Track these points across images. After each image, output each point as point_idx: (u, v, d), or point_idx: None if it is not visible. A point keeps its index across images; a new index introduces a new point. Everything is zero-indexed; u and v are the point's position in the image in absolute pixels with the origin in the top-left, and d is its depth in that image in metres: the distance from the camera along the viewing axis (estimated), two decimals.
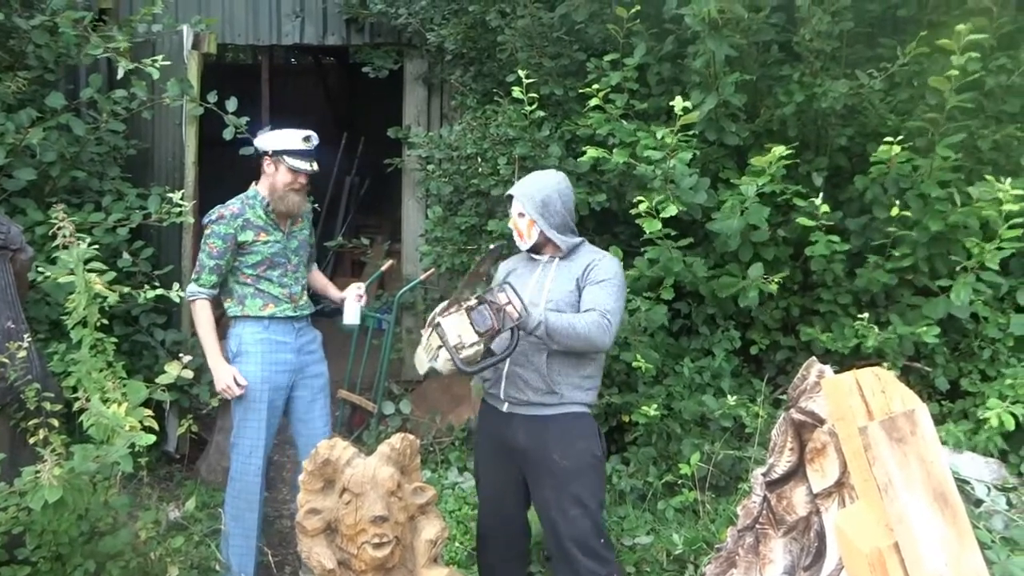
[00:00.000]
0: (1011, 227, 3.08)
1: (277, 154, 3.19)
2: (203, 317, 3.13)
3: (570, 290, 2.62)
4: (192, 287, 3.14)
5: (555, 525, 2.60)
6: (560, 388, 2.60)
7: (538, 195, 2.66)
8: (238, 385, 3.11)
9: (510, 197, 2.75)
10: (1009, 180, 3.08)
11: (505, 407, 2.69)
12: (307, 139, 3.22)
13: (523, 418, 2.65)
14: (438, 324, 2.35)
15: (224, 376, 3.10)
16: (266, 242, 3.18)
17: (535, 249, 2.74)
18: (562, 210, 2.68)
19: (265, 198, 3.22)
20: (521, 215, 2.69)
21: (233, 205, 3.19)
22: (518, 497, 2.76)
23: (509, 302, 2.39)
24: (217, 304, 3.24)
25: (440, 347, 2.35)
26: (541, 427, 2.61)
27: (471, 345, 2.33)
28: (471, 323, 2.33)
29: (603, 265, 2.64)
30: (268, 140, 3.23)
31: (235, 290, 3.21)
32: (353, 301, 3.38)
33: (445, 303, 2.43)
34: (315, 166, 3.25)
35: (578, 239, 2.75)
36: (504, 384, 2.67)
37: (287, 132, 3.23)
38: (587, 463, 2.59)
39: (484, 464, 2.85)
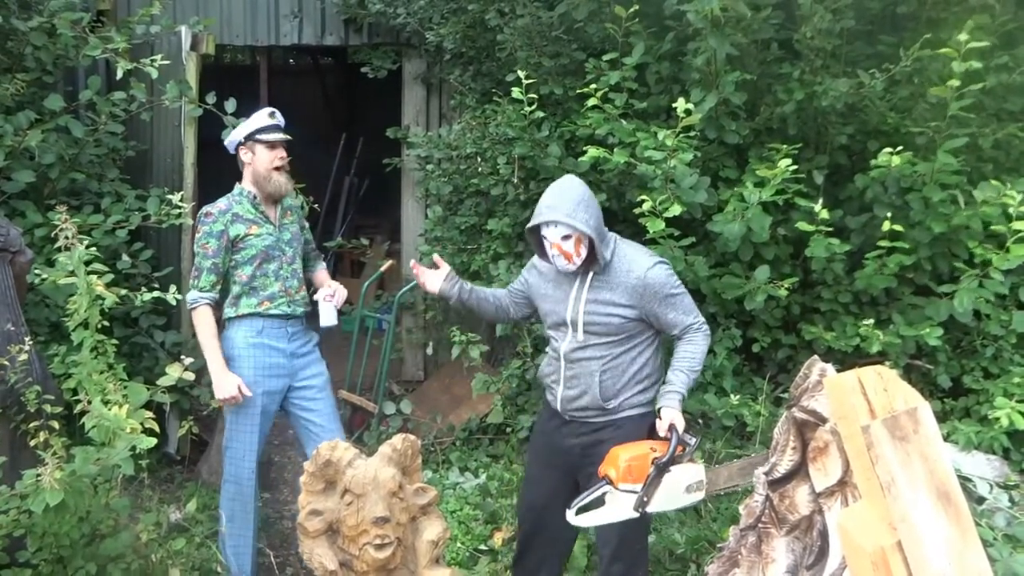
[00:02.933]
0: (1017, 241, 3.04)
1: (249, 138, 3.19)
2: (205, 324, 3.09)
3: (608, 311, 2.53)
4: (193, 294, 3.10)
5: (600, 530, 2.60)
6: (617, 399, 2.60)
7: (583, 210, 2.47)
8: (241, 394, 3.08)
9: (536, 228, 2.55)
10: (1012, 190, 3.04)
11: (561, 409, 2.68)
12: (272, 114, 3.21)
13: (580, 423, 2.65)
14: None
15: (227, 386, 3.05)
16: (258, 235, 3.16)
17: None
18: (598, 214, 2.52)
19: (251, 191, 3.20)
20: (567, 237, 2.48)
21: (220, 203, 3.17)
22: (567, 497, 2.66)
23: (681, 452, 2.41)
24: (217, 306, 3.21)
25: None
26: (596, 434, 2.62)
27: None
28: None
29: (655, 278, 2.51)
30: (236, 132, 3.24)
31: (230, 291, 3.18)
32: (323, 303, 3.31)
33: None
34: (288, 136, 3.24)
35: (611, 245, 2.58)
36: (562, 390, 2.66)
37: (252, 116, 3.23)
38: None
39: (537, 463, 2.84)
